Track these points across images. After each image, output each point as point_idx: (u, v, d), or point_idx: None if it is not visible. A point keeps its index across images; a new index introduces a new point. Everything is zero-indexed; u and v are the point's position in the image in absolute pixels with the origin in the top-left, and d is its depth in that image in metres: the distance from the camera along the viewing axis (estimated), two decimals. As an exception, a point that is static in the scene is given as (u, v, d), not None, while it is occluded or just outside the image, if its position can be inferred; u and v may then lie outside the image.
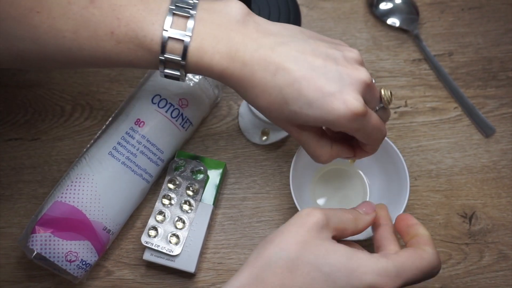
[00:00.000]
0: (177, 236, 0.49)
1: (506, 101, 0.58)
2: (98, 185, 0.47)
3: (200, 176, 0.50)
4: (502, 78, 0.59)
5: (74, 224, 0.46)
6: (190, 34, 0.38)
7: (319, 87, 0.37)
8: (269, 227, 0.52)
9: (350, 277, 0.34)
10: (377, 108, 0.41)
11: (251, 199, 0.53)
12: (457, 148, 0.56)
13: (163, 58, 0.39)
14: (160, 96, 0.50)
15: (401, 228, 0.41)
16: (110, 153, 0.48)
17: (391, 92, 0.41)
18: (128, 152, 0.48)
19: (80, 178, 0.47)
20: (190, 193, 0.50)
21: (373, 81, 0.42)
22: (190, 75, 0.52)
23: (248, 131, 0.55)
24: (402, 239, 0.41)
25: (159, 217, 0.49)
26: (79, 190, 0.47)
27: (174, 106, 0.50)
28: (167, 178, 0.51)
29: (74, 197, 0.46)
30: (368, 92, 0.39)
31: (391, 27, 0.61)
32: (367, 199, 0.52)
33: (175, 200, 0.50)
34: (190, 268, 0.48)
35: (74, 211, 0.46)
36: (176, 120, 0.50)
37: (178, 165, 0.51)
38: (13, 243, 0.51)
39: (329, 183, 0.53)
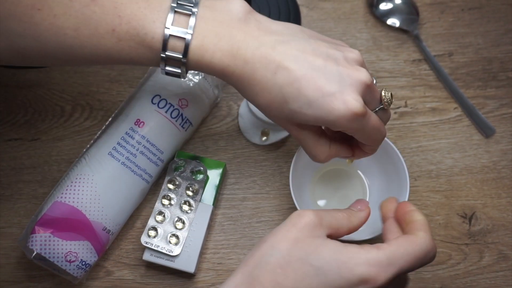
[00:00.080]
0: (177, 237, 0.49)
1: (506, 102, 0.58)
2: (98, 185, 0.47)
3: (200, 177, 0.50)
4: (502, 78, 0.59)
5: (74, 224, 0.46)
6: (192, 32, 0.38)
7: (319, 87, 0.37)
8: (269, 227, 0.52)
9: (341, 270, 0.33)
10: (377, 109, 0.41)
11: (251, 200, 0.53)
12: (457, 149, 0.56)
13: (164, 55, 0.39)
14: (160, 96, 0.50)
15: (399, 216, 0.40)
16: (110, 153, 0.48)
17: (391, 94, 0.41)
18: (128, 152, 0.48)
19: (80, 178, 0.47)
20: (190, 193, 0.50)
21: (375, 81, 0.42)
22: (190, 76, 0.52)
23: (248, 132, 0.55)
24: (401, 228, 0.40)
25: (159, 218, 0.49)
26: (79, 190, 0.47)
27: (174, 107, 0.50)
28: (167, 178, 0.51)
29: (74, 197, 0.46)
30: (368, 93, 0.39)
31: (391, 27, 0.61)
32: (367, 200, 0.52)
33: (175, 201, 0.50)
34: (190, 268, 0.48)
35: (74, 211, 0.46)
36: (176, 121, 0.50)
37: (178, 166, 0.51)
38: (13, 243, 0.51)
39: (329, 183, 0.53)
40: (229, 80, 0.40)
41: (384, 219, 0.41)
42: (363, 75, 0.38)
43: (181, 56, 0.39)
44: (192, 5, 0.39)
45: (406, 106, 0.58)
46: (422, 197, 0.54)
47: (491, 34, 0.61)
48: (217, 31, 0.39)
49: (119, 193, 0.48)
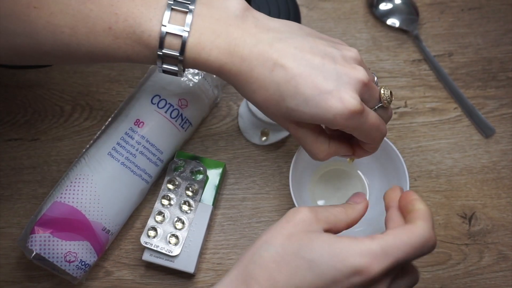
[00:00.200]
0: (177, 237, 0.49)
1: (506, 102, 0.58)
2: (97, 185, 0.47)
3: (200, 177, 0.50)
4: (502, 78, 0.59)
5: (73, 225, 0.46)
6: (188, 30, 0.38)
7: (316, 85, 0.37)
8: (269, 227, 0.52)
9: (333, 261, 0.33)
10: (376, 107, 0.40)
11: (251, 200, 0.53)
12: (457, 149, 0.56)
13: (161, 53, 0.39)
14: (160, 97, 0.50)
15: (402, 205, 0.39)
16: (109, 153, 0.48)
17: (391, 92, 0.41)
18: (127, 152, 0.48)
19: (80, 178, 0.47)
20: (190, 193, 0.50)
21: (376, 79, 0.42)
22: (190, 76, 0.51)
23: (248, 132, 0.55)
24: (404, 218, 0.39)
25: (159, 218, 0.49)
26: (78, 190, 0.46)
27: (173, 107, 0.50)
28: (167, 178, 0.51)
29: (73, 198, 0.46)
30: (366, 91, 0.39)
31: (391, 27, 0.61)
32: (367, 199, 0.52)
33: (175, 201, 0.50)
34: (190, 268, 0.48)
35: (74, 212, 0.46)
36: (176, 121, 0.50)
37: (177, 166, 0.51)
38: (13, 243, 0.51)
39: (329, 183, 0.53)
40: (227, 78, 0.40)
41: (387, 208, 0.39)
42: (360, 73, 0.38)
43: (178, 54, 0.39)
44: (189, 2, 0.39)
45: (406, 106, 0.58)
46: (422, 197, 0.53)
47: (491, 34, 0.61)
48: (214, 28, 0.39)
49: (119, 193, 0.48)
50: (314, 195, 0.53)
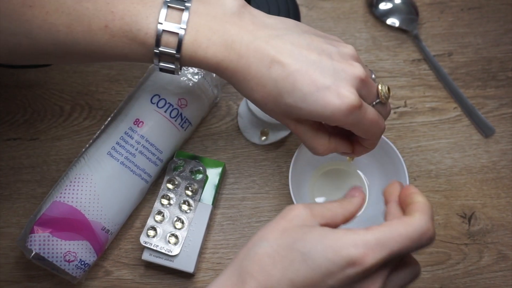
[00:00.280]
0: (176, 236, 0.48)
1: (505, 101, 0.58)
2: (97, 185, 0.47)
3: (199, 176, 0.50)
4: (502, 78, 0.59)
5: (72, 224, 0.46)
6: (185, 27, 0.38)
7: (313, 81, 0.37)
8: (268, 227, 0.52)
9: (327, 252, 0.32)
10: (374, 103, 0.40)
11: (250, 199, 0.53)
12: (456, 149, 0.56)
13: (157, 51, 0.39)
14: (159, 96, 0.50)
15: (401, 200, 0.38)
16: (109, 153, 0.48)
17: (388, 88, 0.40)
18: (127, 152, 0.48)
19: (79, 178, 0.47)
20: (189, 193, 0.50)
21: (374, 76, 0.42)
22: (189, 75, 0.51)
23: (247, 131, 0.55)
24: (403, 212, 0.38)
25: (158, 217, 0.49)
26: (77, 190, 0.46)
27: (173, 106, 0.50)
28: (166, 178, 0.51)
29: (72, 197, 0.46)
30: (364, 87, 0.39)
31: (390, 27, 0.61)
32: (366, 199, 0.52)
33: (174, 200, 0.50)
34: (189, 268, 0.48)
35: (73, 211, 0.46)
36: (175, 120, 0.50)
37: (177, 165, 0.51)
38: (12, 243, 0.51)
39: (329, 183, 0.53)
40: (224, 75, 0.40)
41: (386, 203, 0.39)
42: (357, 69, 0.38)
43: (174, 52, 0.39)
44: (185, 0, 0.39)
45: (405, 106, 0.58)
46: (422, 197, 0.54)
47: (491, 34, 0.61)
48: (211, 25, 0.39)
49: (118, 192, 0.48)
50: (313, 194, 0.53)
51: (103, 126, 0.52)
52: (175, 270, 0.49)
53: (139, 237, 0.49)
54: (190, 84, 0.51)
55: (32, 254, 0.45)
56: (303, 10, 0.62)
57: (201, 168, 0.50)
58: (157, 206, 0.50)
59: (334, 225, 0.36)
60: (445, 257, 0.52)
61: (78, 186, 0.47)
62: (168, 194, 0.50)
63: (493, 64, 0.60)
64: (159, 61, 0.40)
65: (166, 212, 0.49)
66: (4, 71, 0.57)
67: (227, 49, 0.38)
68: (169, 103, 0.50)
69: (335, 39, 0.41)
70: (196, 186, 0.50)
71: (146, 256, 0.48)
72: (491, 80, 0.59)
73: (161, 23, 0.38)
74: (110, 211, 0.47)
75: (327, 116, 0.37)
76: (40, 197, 0.52)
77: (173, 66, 0.40)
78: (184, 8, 0.38)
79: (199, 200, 0.50)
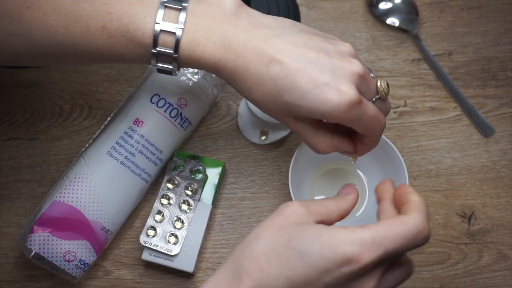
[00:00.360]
0: (176, 236, 0.48)
1: (505, 101, 0.58)
2: (96, 184, 0.47)
3: (199, 176, 0.50)
4: (502, 78, 0.59)
5: (72, 224, 0.46)
6: (182, 27, 0.38)
7: (312, 78, 0.37)
8: (268, 227, 0.52)
9: (323, 250, 0.32)
10: (374, 99, 0.40)
11: (250, 199, 0.53)
12: (456, 148, 0.56)
13: (155, 51, 0.39)
14: (159, 96, 0.50)
15: (396, 199, 0.38)
16: (108, 152, 0.48)
17: (387, 83, 0.40)
18: (126, 151, 0.48)
19: (79, 177, 0.47)
20: (189, 192, 0.50)
21: (372, 74, 0.42)
22: (189, 75, 0.51)
23: (247, 131, 0.55)
24: (399, 211, 0.38)
25: (158, 217, 0.49)
26: (77, 189, 0.46)
27: (173, 106, 0.50)
28: (166, 177, 0.51)
29: (72, 197, 0.46)
30: (363, 83, 0.39)
31: (390, 27, 0.61)
32: (366, 199, 0.52)
33: (174, 200, 0.50)
34: (189, 268, 0.48)
35: (73, 211, 0.46)
36: (175, 120, 0.50)
37: (177, 165, 0.51)
38: (12, 242, 0.51)
39: (328, 182, 0.53)
40: (222, 75, 0.40)
41: (378, 201, 0.39)
42: (355, 66, 0.38)
43: (172, 52, 0.39)
44: (182, 0, 0.39)
45: (405, 105, 0.58)
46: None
47: (491, 33, 0.61)
48: (208, 25, 0.38)
49: (118, 192, 0.48)
50: (313, 194, 0.53)
51: (103, 126, 0.52)
52: (175, 269, 0.49)
53: (139, 237, 0.49)
54: (190, 84, 0.51)
55: (32, 254, 0.45)
56: (303, 10, 0.62)
57: (201, 167, 0.50)
58: (157, 205, 0.50)
59: (329, 222, 0.37)
60: (445, 256, 0.52)
61: (78, 185, 0.47)
62: (168, 193, 0.50)
63: (493, 63, 0.60)
64: (157, 62, 0.40)
65: (166, 212, 0.49)
66: (4, 71, 0.57)
67: (225, 49, 0.38)
68: (169, 102, 0.50)
69: (333, 37, 0.41)
70: (196, 185, 0.50)
71: (146, 255, 0.48)
72: (491, 79, 0.59)
73: (159, 23, 0.38)
74: (110, 210, 0.47)
75: (327, 113, 0.37)
76: (40, 197, 0.52)
77: (171, 67, 0.40)
78: (181, 8, 0.38)
79: (199, 200, 0.50)
